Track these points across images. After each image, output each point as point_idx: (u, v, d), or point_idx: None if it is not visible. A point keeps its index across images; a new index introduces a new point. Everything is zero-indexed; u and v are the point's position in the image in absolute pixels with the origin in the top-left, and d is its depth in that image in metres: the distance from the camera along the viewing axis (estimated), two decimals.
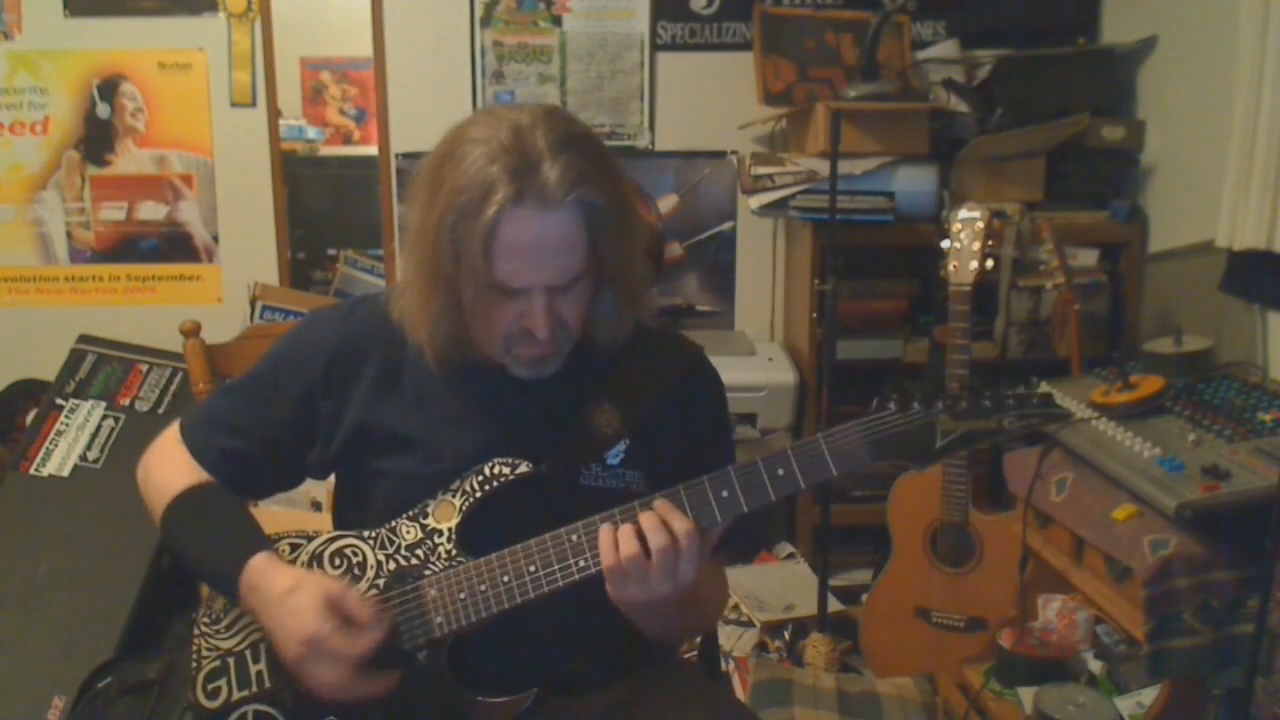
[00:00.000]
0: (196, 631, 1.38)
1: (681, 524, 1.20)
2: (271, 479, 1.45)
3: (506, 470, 1.30)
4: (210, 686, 1.34)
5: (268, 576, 1.27)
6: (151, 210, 3.37)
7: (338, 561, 1.33)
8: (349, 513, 1.41)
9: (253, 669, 1.33)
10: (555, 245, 1.20)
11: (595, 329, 1.34)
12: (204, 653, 1.37)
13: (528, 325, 1.24)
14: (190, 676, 1.36)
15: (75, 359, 2.97)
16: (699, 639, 1.69)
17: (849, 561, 3.06)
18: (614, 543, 1.20)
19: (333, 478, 1.45)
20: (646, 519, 1.21)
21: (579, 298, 1.27)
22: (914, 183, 2.90)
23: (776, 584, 2.87)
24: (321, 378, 1.37)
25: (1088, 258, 2.91)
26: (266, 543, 1.33)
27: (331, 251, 3.76)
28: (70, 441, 2.82)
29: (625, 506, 1.24)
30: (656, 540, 1.19)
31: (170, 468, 1.40)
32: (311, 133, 4.03)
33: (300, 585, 1.25)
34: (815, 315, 2.93)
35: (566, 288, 1.24)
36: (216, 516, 1.37)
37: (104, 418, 2.86)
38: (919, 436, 1.21)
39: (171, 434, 1.44)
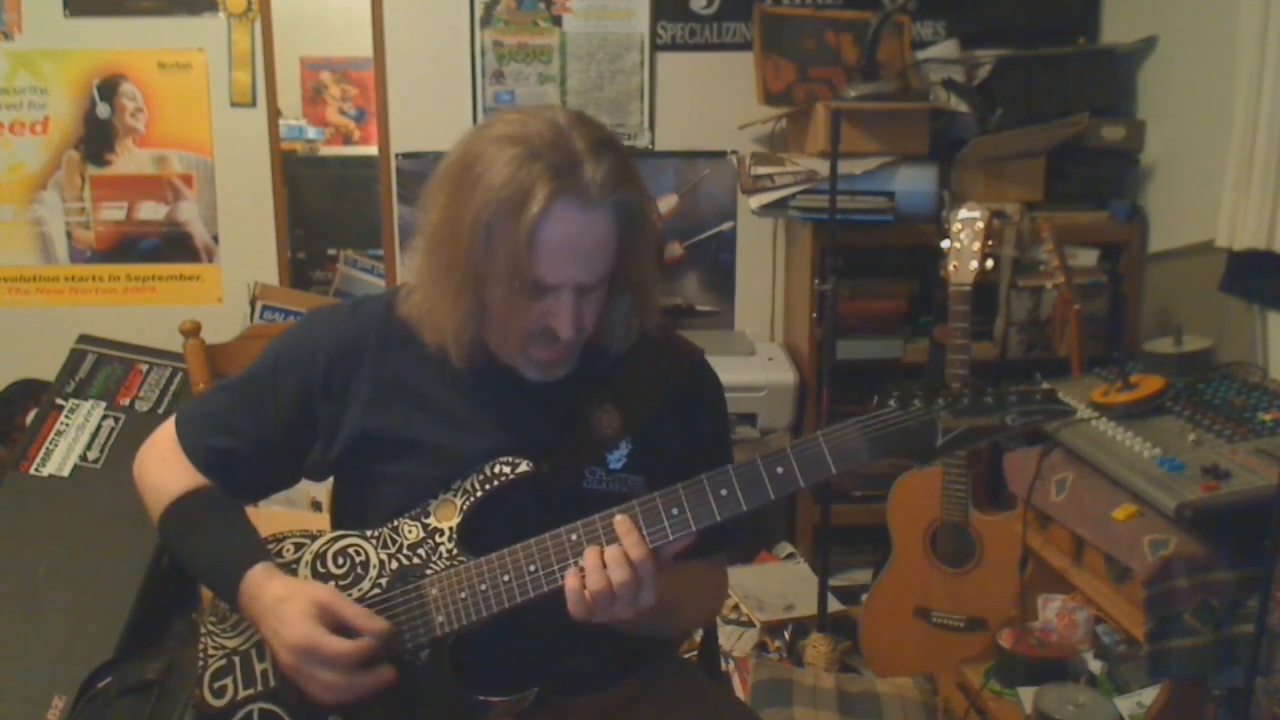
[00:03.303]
0: (203, 630, 1.38)
1: (638, 552, 1.21)
2: (266, 480, 1.44)
3: (507, 469, 1.30)
4: (216, 685, 1.34)
5: (264, 586, 1.27)
6: (151, 210, 3.37)
7: (340, 561, 1.33)
8: (350, 513, 1.41)
9: (258, 668, 1.33)
10: (593, 244, 1.22)
11: (608, 334, 1.34)
12: (210, 651, 1.36)
13: (552, 325, 1.25)
14: (197, 675, 1.36)
15: (75, 359, 2.97)
16: (699, 638, 1.69)
17: (849, 561, 3.07)
18: (581, 588, 1.20)
19: (331, 478, 1.45)
20: (611, 553, 1.21)
21: (599, 300, 1.28)
22: (914, 183, 2.90)
23: (776, 584, 2.87)
24: (321, 381, 1.36)
25: (1088, 258, 2.92)
26: (265, 552, 1.33)
27: (331, 251, 3.77)
28: (70, 441, 2.81)
29: (625, 506, 1.24)
30: (618, 575, 1.19)
31: (166, 467, 1.40)
32: (311, 133, 4.04)
33: (291, 595, 1.25)
34: (815, 315, 2.93)
35: (593, 288, 1.25)
36: (216, 524, 1.37)
37: (104, 418, 2.86)
38: (920, 434, 1.21)
39: (167, 430, 1.43)
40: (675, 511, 1.23)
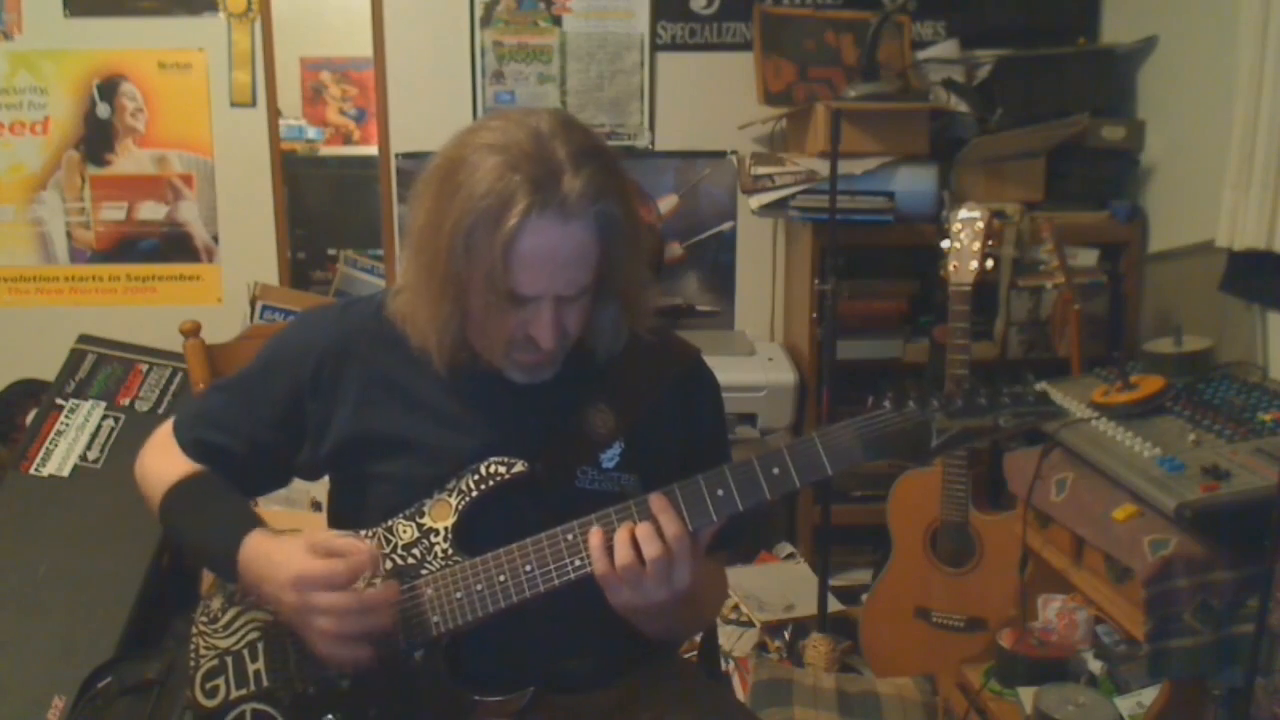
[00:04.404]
0: (194, 630, 1.39)
1: (673, 528, 1.20)
2: (258, 478, 1.45)
3: (502, 469, 1.30)
4: (208, 685, 1.34)
5: (258, 548, 1.28)
6: (151, 210, 3.37)
7: None
8: (344, 514, 1.41)
9: (250, 668, 1.33)
10: (571, 256, 1.20)
11: (595, 339, 1.34)
12: (202, 652, 1.37)
13: (533, 333, 1.25)
14: (189, 676, 1.36)
15: (75, 359, 2.97)
16: (699, 638, 1.69)
17: (849, 561, 3.07)
18: (604, 549, 1.21)
19: (324, 477, 1.45)
20: (642, 528, 1.21)
21: (584, 307, 1.28)
22: (914, 183, 2.90)
23: (776, 584, 2.87)
24: (310, 379, 1.37)
25: (1088, 258, 2.91)
26: (261, 522, 1.33)
27: (331, 251, 3.77)
28: (70, 441, 2.81)
29: (620, 506, 1.24)
30: (650, 549, 1.19)
31: (165, 459, 1.42)
32: (311, 133, 4.05)
33: (284, 541, 1.27)
34: (815, 315, 2.92)
35: (574, 298, 1.24)
36: (212, 502, 1.38)
37: (104, 418, 2.86)
38: (915, 435, 1.21)
39: (165, 429, 1.45)
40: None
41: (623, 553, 1.20)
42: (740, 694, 2.45)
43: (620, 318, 1.34)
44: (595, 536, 1.22)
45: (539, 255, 1.19)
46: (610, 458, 1.35)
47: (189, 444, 1.41)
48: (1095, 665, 2.20)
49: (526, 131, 1.20)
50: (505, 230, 1.16)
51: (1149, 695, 2.02)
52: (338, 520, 1.43)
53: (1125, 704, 2.05)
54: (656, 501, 1.22)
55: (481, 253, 1.19)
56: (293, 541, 1.26)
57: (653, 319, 1.39)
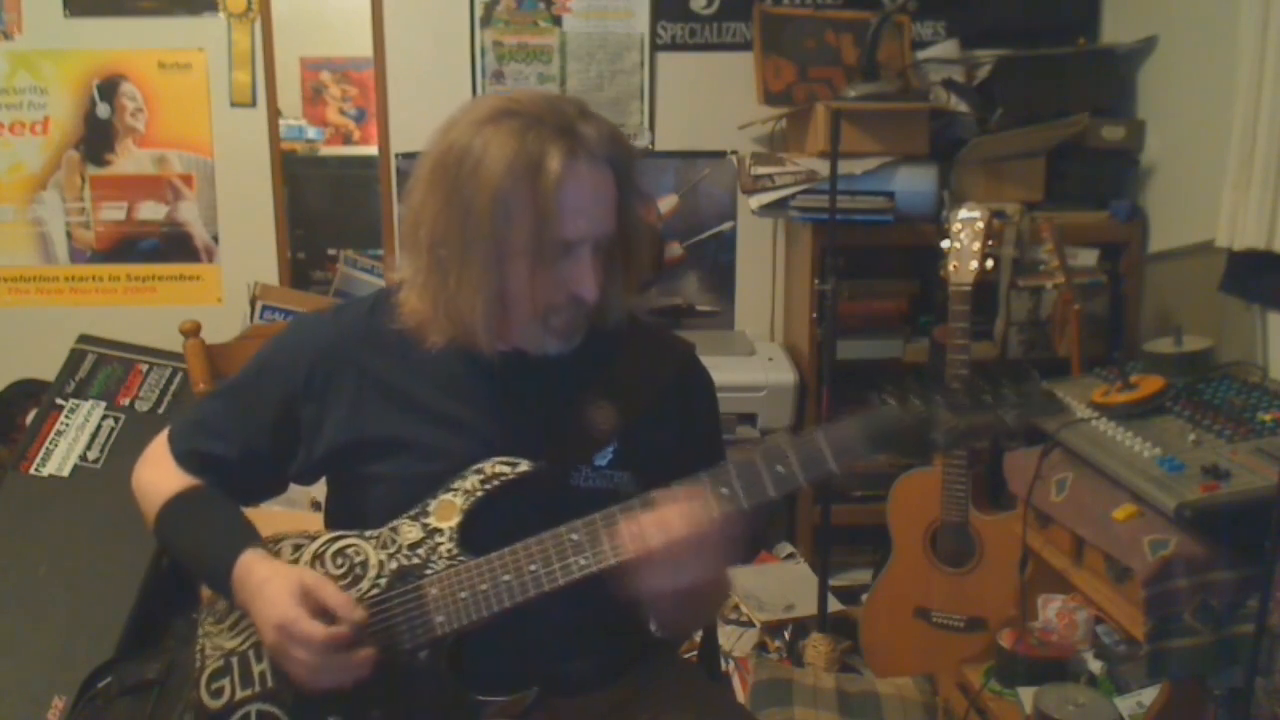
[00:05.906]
0: (201, 632, 1.39)
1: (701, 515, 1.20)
2: (255, 485, 1.45)
3: (507, 469, 1.30)
4: (214, 686, 1.34)
5: (253, 569, 1.29)
6: (151, 210, 3.37)
7: (339, 561, 1.33)
8: (342, 516, 1.40)
9: (255, 669, 1.33)
10: (602, 195, 1.27)
11: (604, 303, 1.34)
12: (208, 653, 1.37)
13: (575, 290, 1.27)
14: (194, 676, 1.36)
15: (75, 359, 2.97)
16: (699, 638, 1.69)
17: (849, 561, 3.07)
18: (639, 535, 1.20)
19: (321, 480, 1.45)
20: (676, 509, 1.20)
21: (602, 263, 1.30)
22: (914, 183, 2.90)
23: (776, 584, 2.87)
24: (303, 384, 1.37)
25: (1088, 258, 2.91)
26: (257, 539, 1.34)
27: (331, 251, 3.77)
28: (70, 441, 2.81)
29: (626, 504, 1.23)
30: (682, 529, 1.19)
31: (160, 473, 1.42)
32: (311, 133, 4.04)
33: (277, 575, 1.27)
34: (815, 315, 2.93)
35: (605, 245, 1.28)
36: (208, 516, 1.38)
37: (104, 418, 2.86)
38: (919, 431, 1.21)
39: (161, 440, 1.46)
40: None
41: (664, 531, 1.18)
42: (740, 694, 2.46)
43: (622, 282, 1.35)
44: (627, 526, 1.21)
45: (582, 195, 1.23)
46: (603, 455, 1.35)
47: (183, 456, 1.41)
48: (1095, 665, 2.21)
49: (528, 96, 1.26)
50: (549, 178, 1.20)
51: (1149, 695, 2.02)
52: (336, 521, 1.42)
53: (1125, 704, 2.06)
54: (664, 498, 1.22)
55: (523, 212, 1.22)
56: (284, 581, 1.25)
57: (647, 285, 1.41)
